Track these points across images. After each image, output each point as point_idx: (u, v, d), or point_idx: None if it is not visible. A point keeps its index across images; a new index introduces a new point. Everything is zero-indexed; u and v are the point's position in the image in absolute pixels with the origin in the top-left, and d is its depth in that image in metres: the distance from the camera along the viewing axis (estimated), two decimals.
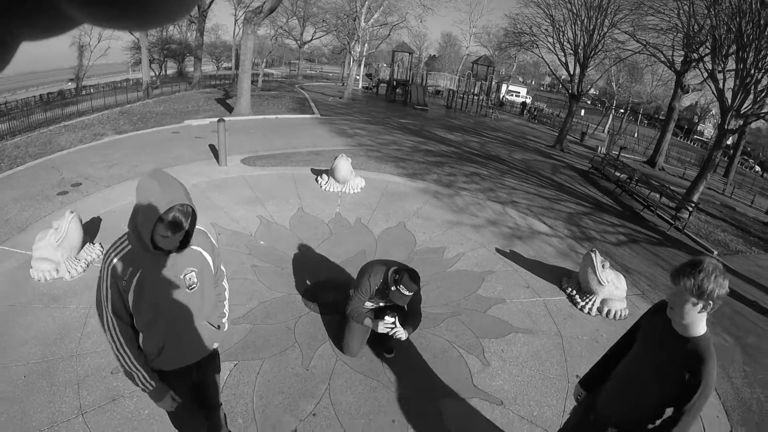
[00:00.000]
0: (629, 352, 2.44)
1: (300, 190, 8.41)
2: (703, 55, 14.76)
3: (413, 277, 3.59)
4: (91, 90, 26.84)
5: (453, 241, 6.98)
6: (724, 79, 11.58)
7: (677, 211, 9.72)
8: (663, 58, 18.40)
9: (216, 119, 10.41)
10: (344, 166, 8.28)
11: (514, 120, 30.22)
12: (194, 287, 2.14)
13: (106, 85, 27.81)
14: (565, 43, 19.53)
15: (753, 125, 10.76)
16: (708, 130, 55.89)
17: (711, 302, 1.92)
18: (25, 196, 7.42)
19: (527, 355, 4.60)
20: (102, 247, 5.78)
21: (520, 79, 69.33)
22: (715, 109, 44.50)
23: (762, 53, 10.21)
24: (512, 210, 8.85)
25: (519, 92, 52.39)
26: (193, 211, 1.97)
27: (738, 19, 10.43)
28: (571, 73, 19.46)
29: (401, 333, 3.83)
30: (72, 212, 5.39)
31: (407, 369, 4.22)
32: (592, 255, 5.65)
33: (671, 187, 11.25)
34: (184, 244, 2.05)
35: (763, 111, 11.13)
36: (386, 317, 3.89)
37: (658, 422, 2.27)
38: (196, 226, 2.12)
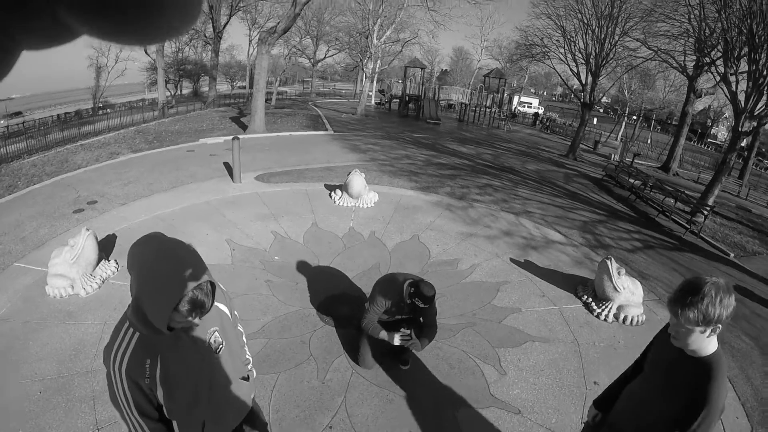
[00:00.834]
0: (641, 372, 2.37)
1: (314, 205, 8.46)
2: (715, 58, 14.60)
3: (428, 289, 3.59)
4: (108, 110, 27.44)
5: (467, 252, 6.95)
6: (737, 82, 11.47)
7: (692, 216, 9.60)
8: (675, 64, 18.29)
9: (230, 137, 10.55)
10: (358, 181, 8.32)
11: (527, 131, 30.17)
12: (221, 347, 1.89)
13: (122, 105, 28.43)
14: (576, 53, 19.55)
15: (767, 126, 10.60)
16: (722, 133, 55.05)
17: (719, 325, 1.75)
18: (41, 213, 7.58)
19: (544, 364, 4.55)
20: (117, 263, 5.85)
21: (532, 90, 69.35)
22: (728, 112, 43.88)
23: None
24: (526, 220, 8.80)
25: (531, 103, 52.46)
26: (213, 284, 1.63)
27: (749, 20, 10.37)
28: (583, 82, 19.42)
29: (417, 345, 3.82)
30: (88, 229, 5.48)
31: (424, 380, 4.20)
32: (608, 262, 5.60)
33: (686, 192, 11.07)
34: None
35: None
36: (402, 329, 3.89)
37: None
38: None
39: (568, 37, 19.64)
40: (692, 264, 7.63)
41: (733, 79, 11.30)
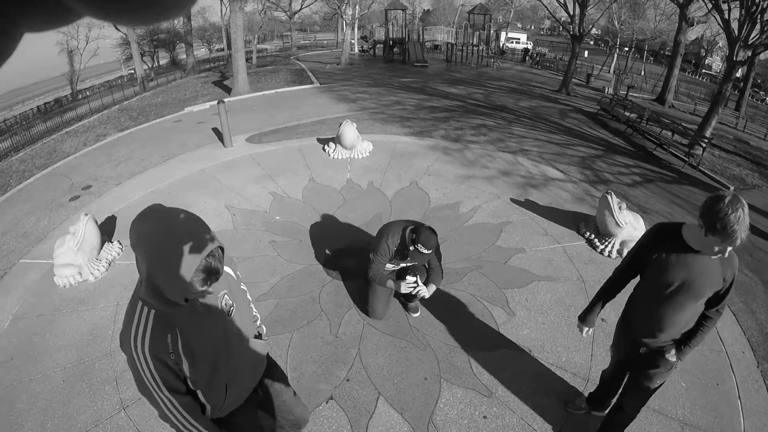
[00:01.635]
0: (643, 279, 2.55)
1: (308, 161, 8.35)
2: None
3: (430, 234, 3.56)
4: (87, 93, 26.80)
5: (467, 195, 6.92)
6: (729, 9, 11.05)
7: (690, 148, 9.45)
8: None
9: (216, 102, 10.32)
10: (350, 131, 8.17)
11: (517, 68, 29.45)
12: (232, 309, 1.89)
13: (101, 86, 27.74)
14: None
15: (762, 56, 10.30)
16: (716, 63, 53.68)
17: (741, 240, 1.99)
18: (38, 207, 7.50)
19: (551, 303, 4.59)
20: (121, 244, 5.83)
21: (519, 25, 67.57)
22: (722, 42, 42.70)
23: None
24: (524, 159, 8.70)
25: (519, 39, 50.84)
26: (222, 249, 1.61)
27: None
28: (571, 13, 18.73)
29: (424, 291, 3.83)
30: (87, 215, 5.44)
31: (435, 326, 4.25)
32: (608, 197, 5.55)
33: (683, 124, 10.89)
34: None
35: None
36: (408, 277, 3.89)
37: (687, 328, 2.42)
38: None
39: None
40: (692, 197, 7.56)
41: (725, 6, 10.87)
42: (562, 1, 18.93)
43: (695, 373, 3.79)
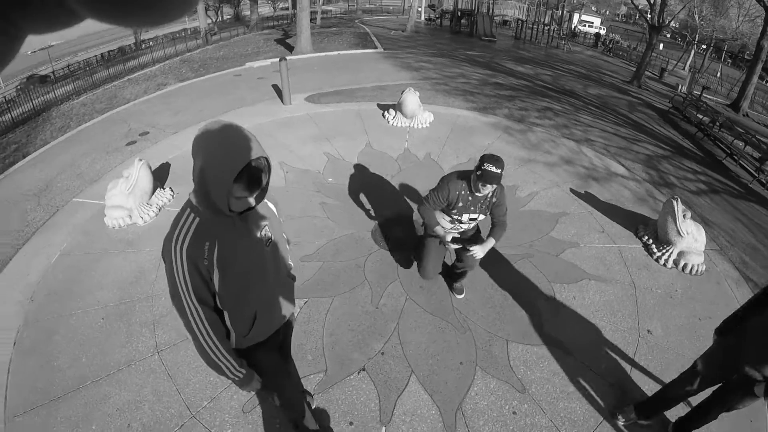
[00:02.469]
0: None
1: (367, 125, 8.21)
2: None
3: (498, 158, 3.17)
4: (150, 43, 27.44)
5: (525, 179, 6.62)
6: None
7: (762, 164, 8.67)
8: None
9: (277, 59, 10.25)
10: (412, 100, 7.95)
11: (587, 52, 28.08)
12: (270, 242, 1.94)
13: (164, 37, 28.31)
14: None
15: None
16: None
17: None
18: (95, 149, 7.70)
19: (599, 304, 4.32)
20: (172, 191, 5.90)
21: (593, 8, 64.06)
22: None
23: None
24: (588, 149, 8.23)
25: (592, 22, 48.52)
26: (269, 162, 1.68)
27: None
28: (651, 1, 17.48)
29: (477, 250, 3.44)
30: (141, 160, 5.51)
31: (477, 311, 4.09)
32: (674, 203, 5.14)
33: (757, 136, 9.99)
34: (260, 198, 1.76)
35: None
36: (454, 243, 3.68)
37: None
38: None
39: None
40: (757, 216, 6.93)
41: None
42: None
43: None
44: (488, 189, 3.24)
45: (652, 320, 4.16)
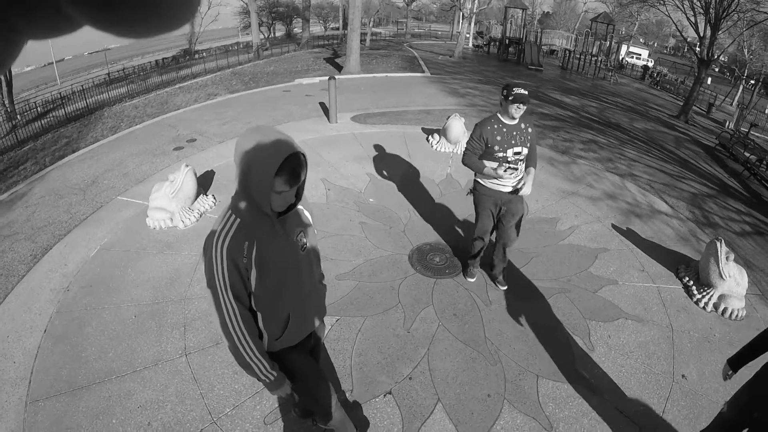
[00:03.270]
0: None
1: (410, 148, 8.33)
2: None
3: (517, 81, 3.57)
4: (204, 54, 28.49)
5: (567, 212, 6.56)
6: None
7: None
8: None
9: (326, 77, 10.53)
10: (457, 125, 8.04)
11: (635, 85, 27.59)
12: (305, 247, 2.04)
13: (217, 49, 29.37)
14: (695, 0, 17.11)
15: None
16: None
17: None
18: (143, 151, 8.05)
19: (634, 345, 4.20)
20: (215, 198, 6.10)
21: (642, 40, 63.04)
22: None
23: None
24: (631, 184, 8.08)
25: (640, 54, 47.56)
26: (305, 158, 1.80)
27: None
28: (701, 35, 17.08)
29: (526, 188, 3.81)
30: (187, 165, 5.72)
31: (509, 343, 4.06)
32: (717, 244, 4.95)
33: None
34: (299, 195, 1.90)
35: None
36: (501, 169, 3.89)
37: None
38: None
39: None
40: None
41: None
42: (693, 21, 17.30)
43: None
44: (521, 110, 3.61)
45: (688, 365, 4.03)
